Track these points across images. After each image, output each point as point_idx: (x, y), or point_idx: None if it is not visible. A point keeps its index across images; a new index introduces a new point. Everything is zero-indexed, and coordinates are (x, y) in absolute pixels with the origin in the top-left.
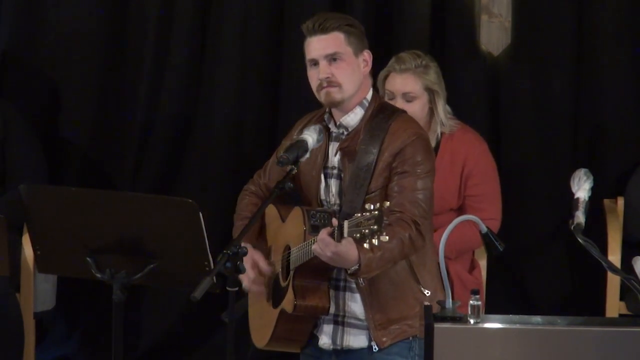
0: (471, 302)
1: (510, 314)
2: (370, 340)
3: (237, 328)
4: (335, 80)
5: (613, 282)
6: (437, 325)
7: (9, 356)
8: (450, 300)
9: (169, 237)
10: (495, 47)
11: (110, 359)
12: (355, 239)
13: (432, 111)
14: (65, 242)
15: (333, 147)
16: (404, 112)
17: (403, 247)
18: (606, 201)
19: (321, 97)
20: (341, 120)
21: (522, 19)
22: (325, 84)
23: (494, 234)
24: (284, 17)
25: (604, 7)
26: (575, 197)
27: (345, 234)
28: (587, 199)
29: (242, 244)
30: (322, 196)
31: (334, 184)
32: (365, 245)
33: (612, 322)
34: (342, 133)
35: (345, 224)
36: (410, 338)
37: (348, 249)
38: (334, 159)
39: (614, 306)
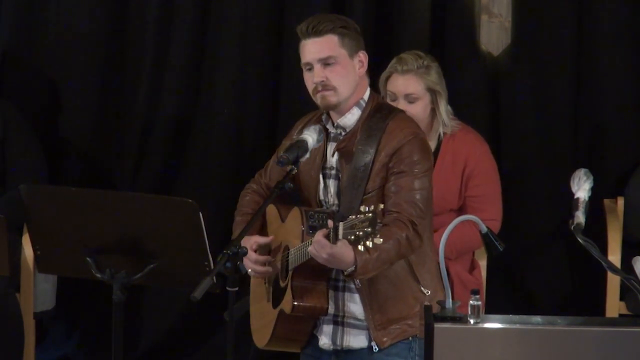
0: (471, 302)
1: (510, 314)
2: (370, 340)
3: (238, 328)
4: (330, 84)
5: (613, 282)
6: (437, 325)
7: (9, 356)
8: (450, 300)
9: (169, 237)
10: (495, 47)
11: (110, 359)
12: (349, 241)
13: (434, 112)
14: (65, 242)
15: (331, 147)
16: (401, 111)
17: (400, 247)
18: (606, 201)
19: (317, 100)
20: (338, 121)
21: (522, 19)
22: (320, 88)
23: (494, 234)
24: (284, 17)
25: (604, 7)
26: (575, 197)
27: (340, 236)
28: (587, 199)
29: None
30: (321, 196)
31: (332, 184)
32: (360, 248)
33: (612, 322)
34: (340, 133)
35: (341, 225)
36: (410, 338)
37: (343, 250)
38: (332, 160)
39: (614, 306)
